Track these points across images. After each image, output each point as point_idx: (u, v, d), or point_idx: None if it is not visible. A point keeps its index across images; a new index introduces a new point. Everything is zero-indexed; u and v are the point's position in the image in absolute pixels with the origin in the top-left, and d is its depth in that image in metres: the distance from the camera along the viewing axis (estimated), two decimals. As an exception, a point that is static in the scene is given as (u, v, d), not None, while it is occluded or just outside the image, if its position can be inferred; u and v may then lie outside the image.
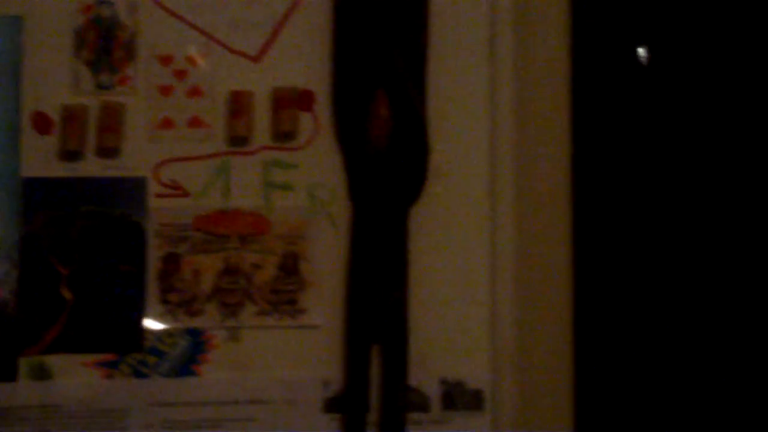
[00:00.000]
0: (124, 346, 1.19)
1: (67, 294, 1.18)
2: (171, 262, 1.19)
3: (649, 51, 1.28)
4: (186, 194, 1.20)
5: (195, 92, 1.20)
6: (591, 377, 1.23)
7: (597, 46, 1.24)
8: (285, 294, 1.20)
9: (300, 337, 1.20)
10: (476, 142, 1.20)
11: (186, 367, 1.20)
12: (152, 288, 1.19)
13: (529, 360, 1.19)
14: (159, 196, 1.20)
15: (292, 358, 1.20)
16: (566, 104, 1.21)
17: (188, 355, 1.20)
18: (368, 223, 1.17)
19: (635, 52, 1.27)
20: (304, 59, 1.21)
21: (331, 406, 1.18)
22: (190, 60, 1.20)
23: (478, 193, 1.20)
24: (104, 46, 1.19)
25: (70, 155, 1.19)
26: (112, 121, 1.19)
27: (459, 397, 1.20)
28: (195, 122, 1.20)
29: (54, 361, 1.19)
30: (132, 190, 1.20)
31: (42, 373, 1.18)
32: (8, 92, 1.18)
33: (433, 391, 1.19)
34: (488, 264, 1.18)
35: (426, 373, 1.18)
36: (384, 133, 1.18)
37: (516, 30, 1.20)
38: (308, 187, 1.21)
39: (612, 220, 1.24)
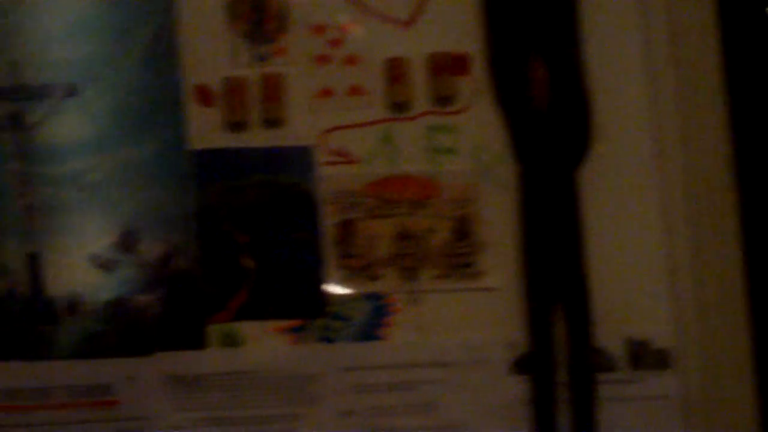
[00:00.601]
0: (309, 311, 1.43)
1: (248, 262, 1.43)
2: (346, 228, 1.44)
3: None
4: (353, 161, 1.45)
5: (351, 60, 1.46)
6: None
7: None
8: (460, 257, 1.44)
9: (480, 299, 1.43)
10: (637, 99, 1.31)
11: (370, 331, 1.44)
12: (330, 254, 1.43)
13: (710, 315, 1.28)
14: (328, 163, 1.44)
15: (474, 320, 1.42)
16: (719, 54, 1.29)
17: (372, 319, 1.44)
18: (537, 184, 1.30)
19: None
20: (457, 22, 1.44)
21: (517, 367, 1.31)
22: (344, 29, 1.46)
23: (645, 149, 1.30)
24: (258, 17, 1.44)
25: (236, 126, 1.44)
26: (272, 91, 1.44)
27: (645, 357, 1.28)
28: (354, 90, 1.46)
29: (242, 328, 1.42)
30: (300, 158, 1.45)
31: (231, 340, 1.42)
32: (168, 67, 1.43)
33: (618, 350, 1.29)
34: (661, 221, 1.29)
35: (610, 333, 1.28)
36: (543, 95, 1.30)
37: None
38: (472, 150, 1.45)
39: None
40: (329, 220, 1.45)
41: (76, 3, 1.46)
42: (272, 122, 1.46)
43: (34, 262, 1.44)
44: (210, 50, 1.45)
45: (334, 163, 1.46)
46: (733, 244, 1.29)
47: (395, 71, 1.46)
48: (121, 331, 1.43)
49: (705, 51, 1.39)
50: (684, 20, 1.37)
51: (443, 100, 1.47)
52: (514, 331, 1.40)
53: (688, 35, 1.39)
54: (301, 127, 1.46)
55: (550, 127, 1.36)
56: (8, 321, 1.44)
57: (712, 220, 1.34)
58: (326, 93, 1.46)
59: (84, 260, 1.44)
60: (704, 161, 1.38)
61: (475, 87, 1.46)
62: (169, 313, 1.43)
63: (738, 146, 1.30)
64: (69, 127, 1.45)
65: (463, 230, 1.46)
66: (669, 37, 1.35)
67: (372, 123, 1.47)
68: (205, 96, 1.45)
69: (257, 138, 1.45)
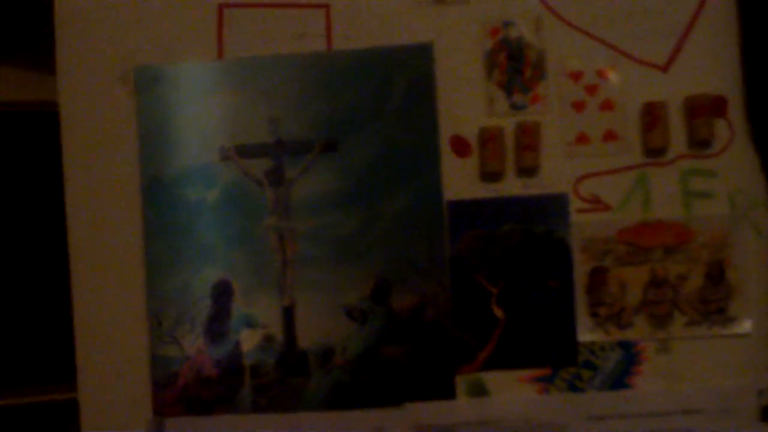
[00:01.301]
0: (558, 360, 1.56)
1: (498, 312, 1.56)
2: (597, 276, 1.56)
3: None
4: (607, 207, 1.56)
5: (607, 106, 1.57)
6: None
7: None
8: (713, 303, 1.55)
9: (731, 345, 1.55)
10: None
11: (619, 379, 1.56)
12: (580, 302, 1.55)
13: None
14: (580, 211, 1.57)
15: (724, 366, 1.54)
16: None
17: (621, 367, 1.56)
18: None
19: None
20: (714, 64, 1.56)
21: None
22: (600, 74, 1.57)
23: None
24: (514, 67, 1.56)
25: (491, 176, 1.57)
26: (529, 140, 1.56)
27: None
28: (610, 136, 1.57)
29: (489, 377, 1.56)
30: (553, 206, 1.56)
31: (479, 390, 1.56)
32: (425, 118, 1.56)
33: None
34: None
35: None
36: None
37: None
38: (728, 193, 1.56)
39: None
40: (581, 267, 1.56)
41: (333, 58, 1.57)
42: (527, 171, 1.55)
43: (288, 315, 1.57)
44: (466, 101, 1.57)
45: (587, 210, 1.56)
46: None
47: (651, 115, 1.54)
48: (371, 382, 1.56)
49: None
50: None
51: (700, 143, 1.55)
52: (765, 377, 1.53)
53: None
54: (555, 175, 1.56)
55: None
56: (263, 373, 1.58)
57: None
58: (582, 139, 1.56)
59: (336, 312, 1.57)
60: None
61: (732, 129, 1.56)
62: (418, 363, 1.54)
63: None
64: (326, 181, 1.56)
65: (717, 276, 1.55)
66: None
67: (626, 168, 1.56)
68: (461, 146, 1.58)
69: (511, 187, 1.56)
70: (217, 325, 1.56)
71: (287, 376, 1.56)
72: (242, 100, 1.57)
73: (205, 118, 1.57)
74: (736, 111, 1.55)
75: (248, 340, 1.57)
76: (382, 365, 1.55)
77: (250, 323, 1.56)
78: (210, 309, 1.57)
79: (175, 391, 1.57)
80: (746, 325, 1.54)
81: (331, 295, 1.56)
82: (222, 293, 1.56)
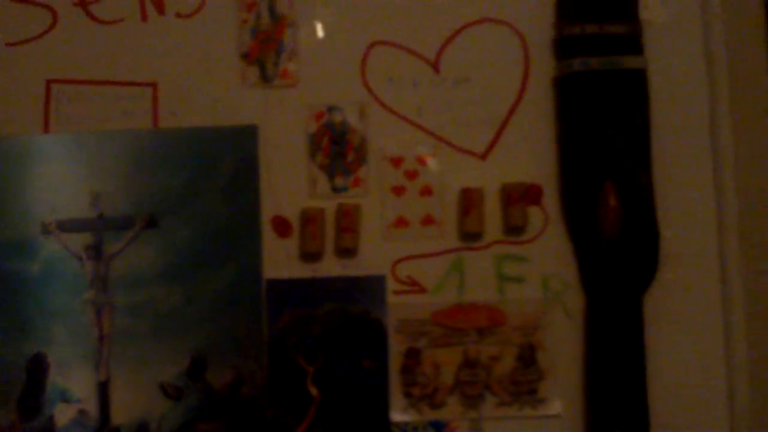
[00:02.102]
0: None
1: (313, 390, 1.62)
2: (412, 356, 1.64)
3: None
4: (423, 290, 1.65)
5: (426, 191, 1.66)
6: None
7: None
8: (524, 384, 1.63)
9: (542, 426, 1.63)
10: (703, 225, 1.57)
11: None
12: (395, 382, 1.63)
13: None
14: (397, 292, 1.65)
15: None
16: None
17: None
18: (603, 312, 1.60)
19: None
20: (530, 154, 1.65)
21: None
22: (420, 160, 1.66)
23: (709, 275, 1.57)
24: (337, 150, 1.65)
25: (310, 256, 1.64)
26: (348, 222, 1.63)
27: None
28: (428, 220, 1.65)
29: None
30: (371, 287, 1.64)
31: None
32: (248, 198, 1.63)
33: None
34: (723, 347, 1.54)
35: None
36: (614, 223, 1.58)
37: (733, 115, 1.57)
38: (541, 278, 1.65)
39: None
40: (396, 348, 1.63)
41: (159, 136, 1.64)
42: (346, 252, 1.63)
43: (103, 390, 1.60)
44: (289, 182, 1.64)
45: (403, 292, 1.64)
46: None
47: (468, 201, 1.62)
48: None
49: None
50: (749, 149, 1.63)
51: (514, 229, 1.64)
52: None
53: (753, 164, 1.63)
54: (373, 257, 1.63)
55: (618, 255, 1.58)
56: None
57: None
58: (401, 223, 1.64)
59: (152, 388, 1.61)
60: (766, 288, 1.62)
61: (546, 216, 1.65)
62: None
63: None
64: (147, 258, 1.61)
65: (529, 358, 1.63)
66: (735, 164, 1.62)
67: (443, 252, 1.65)
68: (282, 227, 1.65)
69: (331, 267, 1.64)
70: (32, 399, 1.59)
71: None
72: (66, 174, 1.61)
73: (27, 190, 1.61)
74: (550, 199, 1.65)
75: (62, 415, 1.60)
76: (198, 442, 1.49)
77: (65, 398, 1.59)
78: (24, 383, 1.59)
79: (-13, 466, 1.49)
80: (556, 407, 1.63)
81: (148, 371, 1.60)
82: (37, 367, 1.59)
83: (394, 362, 1.63)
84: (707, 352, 1.58)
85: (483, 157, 1.67)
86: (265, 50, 1.64)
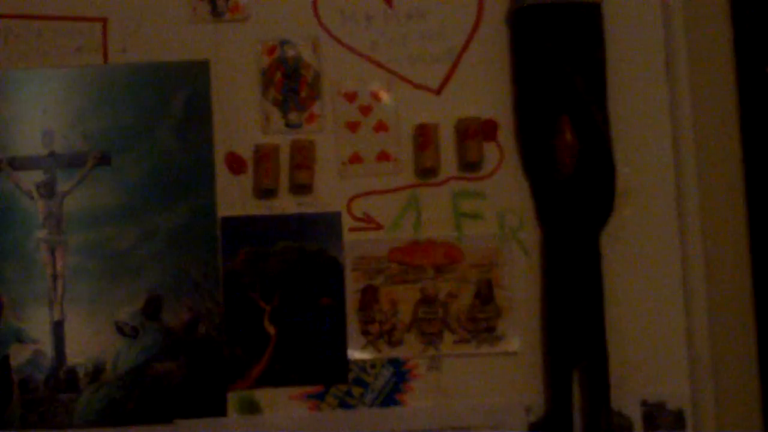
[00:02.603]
0: (330, 377, 1.64)
1: (270, 329, 1.64)
2: (369, 294, 1.66)
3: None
4: (379, 227, 1.67)
5: (381, 127, 1.67)
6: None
7: (757, 61, 1.61)
8: (482, 322, 1.65)
9: (499, 363, 1.65)
10: (660, 161, 1.60)
11: (390, 396, 1.65)
12: (352, 320, 1.65)
13: (725, 377, 1.56)
14: (353, 230, 1.66)
15: (493, 384, 1.64)
16: (737, 118, 1.62)
17: (392, 384, 1.65)
18: (560, 248, 1.60)
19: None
20: (485, 89, 1.66)
21: (535, 430, 1.57)
22: (375, 95, 1.67)
23: (666, 211, 1.59)
24: (290, 86, 1.65)
25: (265, 193, 1.65)
26: (303, 158, 1.64)
27: (661, 418, 1.56)
28: (383, 156, 1.67)
29: (262, 394, 1.64)
30: (327, 224, 1.66)
31: (251, 407, 1.64)
32: (201, 135, 1.64)
33: (634, 412, 1.57)
34: (680, 282, 1.57)
35: (627, 395, 1.56)
36: (570, 158, 1.58)
37: (689, 49, 1.60)
38: (497, 214, 1.67)
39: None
40: (353, 285, 1.64)
41: (110, 72, 1.64)
42: (301, 188, 1.64)
43: (58, 329, 1.62)
44: (242, 118, 1.65)
45: (359, 229, 1.66)
46: (750, 306, 1.60)
47: (423, 137, 1.64)
48: (143, 399, 1.61)
49: (725, 113, 1.64)
50: (706, 85, 1.66)
51: (470, 165, 1.65)
52: (532, 394, 1.63)
53: (710, 99, 1.65)
54: (329, 194, 1.65)
55: (574, 191, 1.58)
56: (32, 389, 1.61)
57: (730, 281, 1.62)
58: (356, 159, 1.65)
59: (108, 327, 1.62)
60: (724, 223, 1.63)
61: (501, 152, 1.67)
62: (190, 379, 1.60)
63: (756, 209, 1.62)
64: (100, 195, 1.62)
65: (486, 295, 1.65)
66: (692, 100, 1.62)
67: (399, 189, 1.66)
68: (235, 164, 1.66)
69: (286, 204, 1.65)
70: None
71: (57, 392, 1.60)
72: (16, 111, 1.62)
73: None
74: (506, 134, 1.67)
75: (17, 355, 1.61)
76: (154, 381, 1.61)
77: (20, 338, 1.61)
78: None
79: (-59, 407, 1.50)
80: (514, 344, 1.64)
81: (103, 310, 1.61)
82: None
83: (352, 300, 1.64)
84: (665, 287, 1.61)
85: (438, 92, 1.68)
86: (216, -15, 1.57)
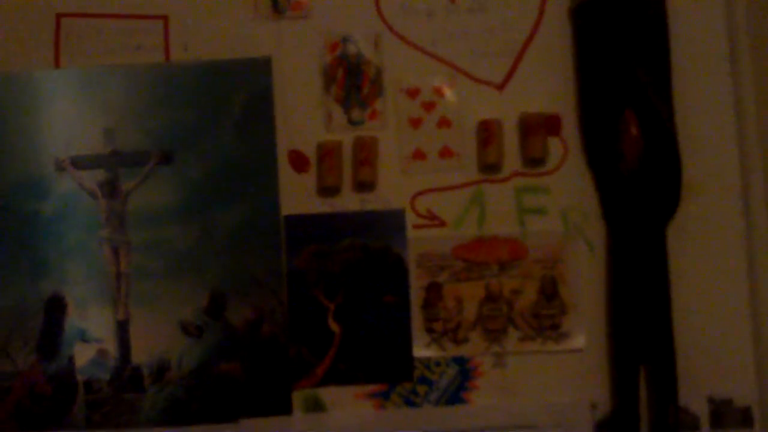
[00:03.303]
0: (394, 376, 1.66)
1: (334, 327, 1.66)
2: (433, 291, 1.67)
3: None
4: (443, 224, 1.68)
5: (444, 123, 1.69)
6: None
7: None
8: (547, 318, 1.67)
9: (564, 360, 1.66)
10: (726, 155, 1.60)
11: (455, 394, 1.67)
12: (417, 318, 1.67)
13: None
14: (417, 227, 1.68)
15: (558, 381, 1.66)
16: None
17: (457, 382, 1.67)
18: (625, 243, 1.61)
19: None
20: (548, 84, 1.68)
21: (601, 428, 1.58)
22: (437, 91, 1.69)
23: (733, 206, 1.59)
24: (352, 82, 1.67)
25: (328, 191, 1.67)
26: (366, 155, 1.66)
27: (728, 415, 1.56)
28: (446, 152, 1.68)
29: (326, 393, 1.66)
30: (390, 222, 1.67)
31: (316, 406, 1.66)
32: (263, 133, 1.66)
33: (701, 409, 1.57)
34: (747, 278, 1.57)
35: (694, 391, 1.56)
36: (635, 152, 1.59)
37: (753, 41, 1.60)
38: (562, 210, 1.68)
39: None
40: (417, 283, 1.67)
41: (171, 70, 1.66)
42: (364, 186, 1.66)
43: (122, 329, 1.64)
44: (304, 116, 1.67)
45: (423, 226, 1.68)
46: None
47: (487, 133, 1.65)
48: (207, 398, 1.64)
49: None
50: None
51: (534, 161, 1.66)
52: (597, 391, 1.64)
53: None
54: (392, 191, 1.66)
55: (640, 186, 1.59)
56: (96, 389, 1.64)
57: None
58: (419, 155, 1.67)
59: (172, 326, 1.65)
60: None
61: (565, 147, 1.68)
62: (255, 378, 1.62)
63: None
64: (162, 194, 1.64)
65: (551, 291, 1.66)
66: (757, 93, 1.63)
67: (462, 185, 1.68)
68: (298, 161, 1.68)
69: (349, 202, 1.67)
70: (50, 339, 1.62)
71: (121, 392, 1.63)
72: (78, 110, 1.64)
73: (40, 128, 1.64)
74: (569, 129, 1.68)
75: (82, 355, 1.63)
76: (218, 380, 1.63)
77: (84, 338, 1.62)
78: (43, 323, 1.63)
79: (7, 407, 1.62)
80: (579, 341, 1.66)
81: (167, 310, 1.64)
82: (55, 307, 1.62)
83: (416, 297, 1.66)
84: (731, 283, 1.60)
85: (500, 87, 1.69)
86: (277, -19, 1.57)
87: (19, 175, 1.63)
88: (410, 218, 1.68)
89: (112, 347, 1.65)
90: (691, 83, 1.64)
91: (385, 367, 1.66)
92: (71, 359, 1.65)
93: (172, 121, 1.65)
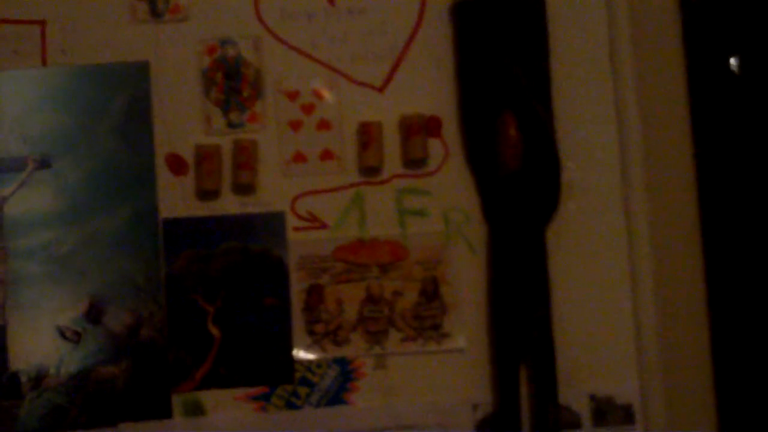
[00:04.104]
0: (275, 378, 1.69)
1: (214, 330, 1.69)
2: (314, 294, 1.70)
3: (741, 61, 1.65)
4: (324, 226, 1.71)
5: (324, 125, 1.72)
6: (732, 383, 1.59)
7: (706, 55, 1.64)
8: (428, 319, 1.70)
9: (446, 361, 1.70)
10: (606, 155, 1.63)
11: (337, 396, 1.70)
12: (297, 320, 1.70)
13: (673, 372, 1.59)
14: (297, 229, 1.71)
15: (440, 382, 1.69)
16: (686, 112, 1.64)
17: (338, 384, 1.70)
18: (506, 244, 1.65)
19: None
20: (429, 86, 1.71)
21: (483, 428, 1.61)
22: (317, 94, 1.72)
23: (613, 207, 1.62)
24: (232, 85, 1.70)
25: (207, 194, 1.69)
26: (246, 158, 1.69)
27: (610, 413, 1.59)
28: (326, 155, 1.72)
29: (206, 396, 1.69)
30: (270, 224, 1.70)
31: (196, 409, 1.69)
32: (142, 136, 1.68)
33: (583, 407, 1.60)
34: (628, 277, 1.59)
35: (575, 390, 1.59)
36: (514, 153, 1.62)
37: (634, 42, 1.61)
38: (442, 211, 1.71)
39: (742, 224, 1.61)
40: (298, 285, 1.69)
41: (48, 74, 1.68)
42: (244, 188, 1.68)
43: (0, 335, 1.66)
44: (183, 119, 1.69)
45: (304, 229, 1.70)
46: (699, 302, 1.63)
47: (367, 135, 1.68)
48: (87, 403, 1.65)
49: (674, 107, 1.67)
50: (653, 78, 1.69)
51: (414, 162, 1.70)
52: (479, 391, 1.68)
53: (657, 93, 1.69)
54: (273, 193, 1.69)
55: (520, 187, 1.62)
56: None
57: (679, 278, 1.65)
58: (299, 158, 1.70)
59: (51, 332, 1.66)
60: (672, 219, 1.66)
61: (445, 149, 1.71)
62: (134, 383, 1.65)
63: (706, 207, 1.67)
64: (40, 199, 1.66)
65: (431, 292, 1.69)
66: (638, 94, 1.66)
67: (343, 187, 1.71)
68: (177, 165, 1.69)
69: (229, 205, 1.70)
70: None
71: None
72: None
73: None
74: (450, 131, 1.72)
75: (-41, 362, 1.53)
76: (98, 385, 1.66)
77: None
78: None
79: None
80: (460, 340, 1.70)
81: (45, 315, 1.66)
82: None
83: (297, 300, 1.69)
84: (613, 282, 1.64)
85: (381, 89, 1.72)
86: (154, -15, 1.59)
87: None
88: (291, 221, 1.71)
89: (-11, 354, 1.52)
90: (572, 83, 1.68)
91: (266, 370, 1.69)
92: (-52, 365, 1.51)
93: (51, 126, 1.67)
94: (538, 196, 1.64)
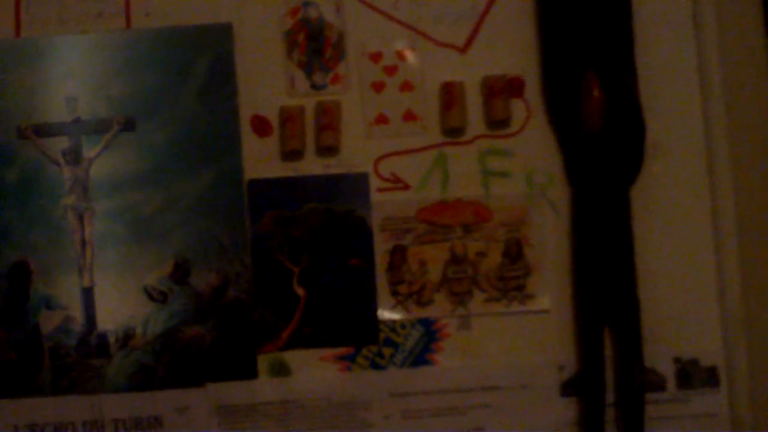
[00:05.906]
0: (360, 339, 1.74)
1: (299, 291, 1.74)
2: (398, 254, 1.75)
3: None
4: (407, 187, 1.76)
5: (406, 86, 1.76)
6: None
7: None
8: (512, 280, 1.75)
9: (530, 322, 1.73)
10: (689, 116, 1.60)
11: (421, 356, 1.74)
12: (381, 281, 1.75)
13: (758, 333, 1.58)
14: (381, 190, 1.76)
15: (524, 343, 1.72)
16: None
17: (422, 345, 1.74)
18: (589, 205, 1.59)
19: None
20: (511, 46, 1.71)
21: (568, 389, 1.61)
22: (399, 55, 1.76)
23: (697, 167, 1.60)
24: (314, 46, 1.75)
25: (291, 155, 1.74)
26: (329, 119, 1.73)
27: (694, 375, 1.58)
28: (409, 116, 1.76)
29: (292, 357, 1.74)
30: (354, 186, 1.75)
31: (281, 370, 1.74)
32: (225, 98, 1.73)
33: (667, 370, 1.59)
34: (712, 238, 1.57)
35: (660, 352, 1.58)
36: (598, 114, 1.58)
37: (717, 2, 1.58)
38: (526, 172, 1.74)
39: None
40: (382, 246, 1.75)
41: (132, 37, 1.74)
42: (327, 150, 1.74)
43: (87, 296, 1.72)
44: (267, 81, 1.74)
45: (387, 190, 1.76)
46: None
47: (449, 96, 1.72)
48: (173, 363, 1.72)
49: (756, 70, 1.65)
50: (735, 41, 1.68)
51: (497, 123, 1.72)
52: (563, 353, 1.71)
53: (739, 55, 1.67)
54: (355, 155, 1.74)
55: (603, 148, 1.58)
56: (63, 355, 1.73)
57: (763, 238, 1.66)
58: (382, 119, 1.75)
59: (137, 293, 1.74)
60: (755, 179, 1.64)
61: (528, 109, 1.76)
62: (220, 343, 1.71)
63: None
64: (125, 161, 1.73)
65: (515, 253, 1.74)
66: (721, 57, 1.64)
67: (426, 148, 1.76)
68: (261, 126, 1.76)
69: (312, 166, 1.75)
70: (15, 307, 1.73)
71: (88, 358, 1.72)
72: (39, 79, 1.72)
73: (1, 96, 1.74)
74: (532, 91, 1.73)
75: (48, 322, 1.72)
76: (184, 346, 1.72)
77: (49, 305, 1.72)
78: (7, 290, 1.73)
79: (-28, 375, 1.61)
80: (544, 302, 1.72)
81: (132, 276, 1.72)
82: (19, 275, 1.73)
83: (380, 261, 1.75)
84: (697, 243, 1.61)
85: (463, 50, 1.76)
86: (237, -55, 1.66)
87: (-20, 144, 1.61)
88: (374, 182, 1.76)
89: (78, 314, 1.73)
90: (655, 43, 1.64)
91: (351, 330, 1.73)
92: (37, 326, 1.72)
93: (134, 88, 1.72)
94: (622, 156, 1.61)
